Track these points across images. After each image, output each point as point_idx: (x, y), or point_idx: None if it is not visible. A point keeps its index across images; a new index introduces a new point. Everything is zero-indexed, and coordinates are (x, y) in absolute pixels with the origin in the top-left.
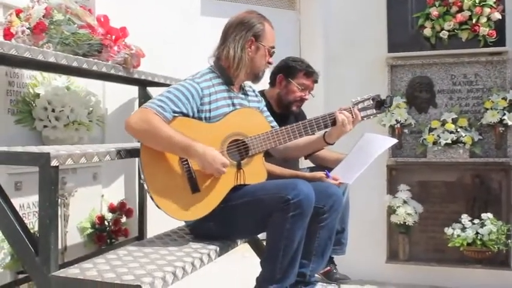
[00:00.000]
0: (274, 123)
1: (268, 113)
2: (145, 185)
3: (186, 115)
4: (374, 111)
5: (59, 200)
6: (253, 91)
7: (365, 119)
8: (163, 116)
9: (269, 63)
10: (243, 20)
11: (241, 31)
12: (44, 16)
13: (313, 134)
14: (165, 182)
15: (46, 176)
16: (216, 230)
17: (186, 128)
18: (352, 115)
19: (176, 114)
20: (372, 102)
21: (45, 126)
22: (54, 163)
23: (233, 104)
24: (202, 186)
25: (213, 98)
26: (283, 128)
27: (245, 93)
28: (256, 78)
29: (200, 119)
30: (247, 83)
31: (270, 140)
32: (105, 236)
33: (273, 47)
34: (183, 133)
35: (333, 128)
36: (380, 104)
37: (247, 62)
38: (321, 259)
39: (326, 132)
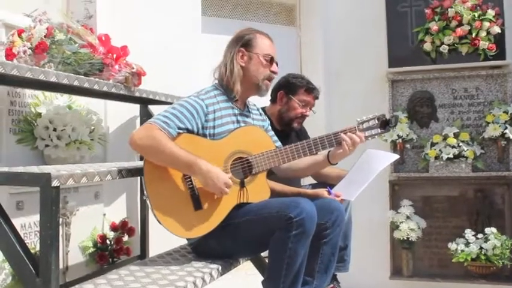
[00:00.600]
0: (279, 143)
1: (272, 133)
2: (148, 202)
3: (191, 131)
4: (379, 130)
5: (61, 219)
6: (258, 109)
7: (370, 138)
8: (168, 132)
9: (272, 72)
10: (235, 36)
11: (232, 46)
12: (45, 36)
13: (317, 153)
14: (168, 198)
15: (47, 196)
16: (218, 249)
17: (190, 144)
18: (356, 136)
19: (181, 131)
20: (376, 122)
21: (46, 146)
22: (55, 183)
23: (237, 121)
24: (205, 204)
25: (217, 115)
26: (287, 146)
27: (249, 111)
28: (258, 89)
29: (204, 135)
30: (252, 101)
31: (273, 158)
32: (107, 255)
33: (270, 55)
34: (187, 150)
35: (337, 149)
36: (385, 124)
37: (239, 73)
38: (324, 276)
39: (330, 152)
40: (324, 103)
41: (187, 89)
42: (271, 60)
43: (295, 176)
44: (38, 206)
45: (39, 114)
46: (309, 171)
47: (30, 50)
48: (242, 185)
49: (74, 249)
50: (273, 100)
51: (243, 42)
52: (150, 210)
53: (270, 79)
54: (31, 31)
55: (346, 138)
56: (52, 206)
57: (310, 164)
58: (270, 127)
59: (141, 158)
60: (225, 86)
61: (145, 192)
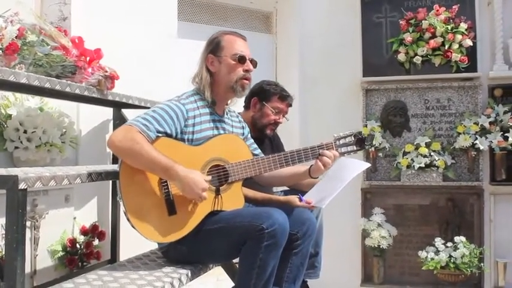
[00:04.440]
0: (259, 151)
1: (252, 141)
2: (121, 204)
3: (170, 135)
4: (354, 147)
5: (29, 222)
6: (237, 117)
7: (345, 155)
8: (147, 135)
9: (246, 70)
10: (207, 41)
11: (203, 52)
12: (16, 37)
13: (293, 165)
14: (142, 202)
15: (14, 199)
16: (188, 254)
17: (168, 148)
18: (332, 154)
19: (160, 134)
20: (353, 139)
21: (16, 148)
22: (22, 186)
23: (216, 128)
24: (179, 209)
25: (197, 121)
26: (264, 157)
27: (229, 118)
28: (233, 91)
29: (183, 140)
30: (233, 108)
31: (250, 168)
32: (76, 259)
33: (238, 54)
34: (165, 154)
35: (315, 165)
36: (361, 142)
37: (208, 80)
38: (292, 285)
39: (312, 166)
40: (298, 110)
41: (162, 93)
42: (241, 59)
43: (277, 185)
44: (4, 208)
45: (9, 116)
46: (291, 182)
47: (0, 51)
48: (217, 192)
49: (43, 253)
50: (247, 106)
51: (211, 48)
52: (122, 213)
53: (245, 78)
54: (2, 32)
55: (322, 158)
56: (19, 208)
57: (292, 175)
58: (249, 135)
59: (113, 162)
60: (201, 92)
61: (119, 194)
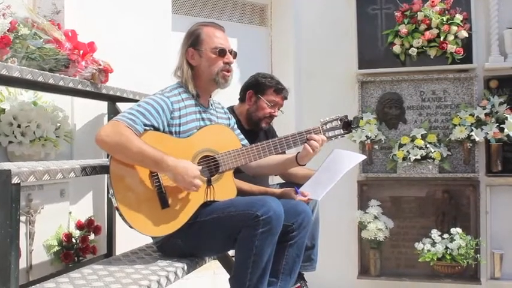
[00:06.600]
0: (245, 141)
1: (238, 131)
2: (113, 200)
3: (157, 128)
4: (341, 131)
5: (25, 217)
6: (222, 108)
7: (333, 139)
8: (135, 129)
9: (226, 63)
10: (185, 34)
11: (182, 46)
12: (8, 30)
13: (283, 152)
14: (134, 196)
15: (7, 193)
16: (184, 247)
17: (157, 142)
18: (319, 138)
19: (147, 128)
20: (339, 123)
21: (10, 142)
22: (15, 180)
23: (202, 119)
24: (172, 202)
25: (182, 113)
26: (253, 145)
27: (214, 109)
28: (215, 83)
29: (170, 133)
30: (217, 100)
31: (240, 157)
32: (72, 253)
33: (218, 48)
34: (154, 147)
35: (304, 150)
36: (347, 125)
37: (190, 73)
38: (288, 277)
39: (298, 153)
40: (294, 103)
41: (156, 86)
42: (221, 52)
43: (264, 174)
44: None
45: (3, 110)
46: (278, 170)
47: None
48: (209, 183)
49: (38, 248)
50: (242, 99)
51: (191, 41)
52: (115, 209)
53: (226, 70)
54: None
55: (312, 141)
56: (12, 203)
57: (279, 163)
58: (235, 126)
59: (108, 156)
60: (184, 84)
61: (110, 190)
